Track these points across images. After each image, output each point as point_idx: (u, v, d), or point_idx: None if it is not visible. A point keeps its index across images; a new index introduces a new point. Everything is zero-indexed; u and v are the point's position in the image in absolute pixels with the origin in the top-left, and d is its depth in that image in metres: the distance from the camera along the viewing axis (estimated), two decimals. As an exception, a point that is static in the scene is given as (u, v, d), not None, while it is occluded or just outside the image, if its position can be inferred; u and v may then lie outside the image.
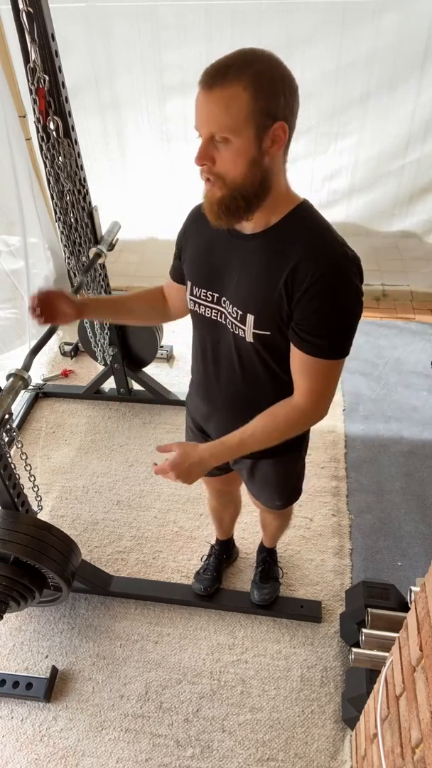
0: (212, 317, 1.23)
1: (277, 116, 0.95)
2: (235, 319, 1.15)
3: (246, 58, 0.93)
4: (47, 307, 1.25)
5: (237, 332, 1.18)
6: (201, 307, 1.23)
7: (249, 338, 1.15)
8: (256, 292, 1.10)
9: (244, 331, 1.15)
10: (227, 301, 1.17)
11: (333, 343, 1.07)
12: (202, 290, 1.21)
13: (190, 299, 1.25)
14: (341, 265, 1.03)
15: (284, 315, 1.08)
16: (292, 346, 1.12)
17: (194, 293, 1.23)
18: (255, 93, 0.91)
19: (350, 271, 1.03)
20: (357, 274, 1.05)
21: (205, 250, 1.20)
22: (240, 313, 1.14)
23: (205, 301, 1.22)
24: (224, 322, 1.21)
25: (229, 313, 1.18)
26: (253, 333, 1.13)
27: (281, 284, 1.05)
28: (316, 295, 1.02)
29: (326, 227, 1.07)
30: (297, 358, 1.12)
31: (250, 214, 1.05)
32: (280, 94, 0.94)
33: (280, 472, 1.47)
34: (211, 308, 1.22)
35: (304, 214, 1.08)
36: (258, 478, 1.49)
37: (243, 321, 1.14)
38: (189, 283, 1.24)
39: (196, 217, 1.22)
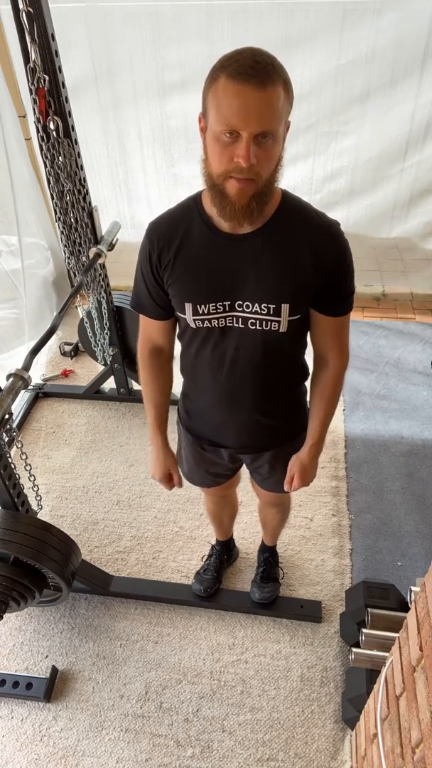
0: (226, 325, 1.20)
1: (289, 114, 1.02)
2: (266, 314, 1.16)
3: (272, 57, 0.95)
4: (170, 480, 1.54)
5: (266, 327, 1.18)
6: (210, 322, 1.19)
7: (283, 328, 1.18)
8: (286, 281, 1.14)
9: (278, 323, 1.17)
10: (246, 304, 1.16)
11: (352, 296, 1.23)
12: (210, 305, 1.17)
13: (195, 319, 1.19)
14: (340, 231, 1.16)
15: (312, 294, 1.17)
16: (320, 318, 1.23)
17: (200, 311, 1.18)
18: (286, 92, 0.96)
19: (343, 233, 1.16)
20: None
21: (201, 263, 1.15)
22: (273, 307, 1.15)
23: (216, 313, 1.18)
24: (242, 326, 1.19)
25: (251, 313, 1.17)
26: (289, 321, 1.17)
27: (310, 267, 1.13)
28: (340, 265, 1.16)
29: (310, 206, 1.17)
30: (329, 325, 1.24)
31: (266, 208, 1.09)
32: (293, 95, 1.00)
33: (299, 449, 1.50)
34: (224, 318, 1.19)
35: (292, 202, 1.15)
36: (280, 465, 1.50)
37: (277, 313, 1.15)
38: (189, 305, 1.17)
39: (170, 234, 1.16)
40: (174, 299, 1.22)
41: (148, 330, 1.37)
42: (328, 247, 1.14)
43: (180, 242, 1.16)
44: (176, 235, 1.16)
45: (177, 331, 1.36)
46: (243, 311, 1.17)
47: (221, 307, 1.17)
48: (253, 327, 1.18)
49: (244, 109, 0.92)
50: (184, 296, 1.18)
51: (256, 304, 1.15)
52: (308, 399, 1.43)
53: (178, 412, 1.55)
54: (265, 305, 1.15)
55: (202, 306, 1.17)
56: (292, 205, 1.14)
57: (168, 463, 1.51)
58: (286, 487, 1.47)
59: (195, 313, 1.18)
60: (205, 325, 1.20)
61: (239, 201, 1.02)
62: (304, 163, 3.17)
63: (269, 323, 1.17)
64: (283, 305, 1.15)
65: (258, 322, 1.17)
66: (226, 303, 1.17)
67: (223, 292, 1.16)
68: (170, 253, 1.17)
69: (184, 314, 1.20)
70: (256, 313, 1.16)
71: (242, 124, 0.93)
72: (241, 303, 1.16)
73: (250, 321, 1.18)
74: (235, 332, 1.21)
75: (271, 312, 1.15)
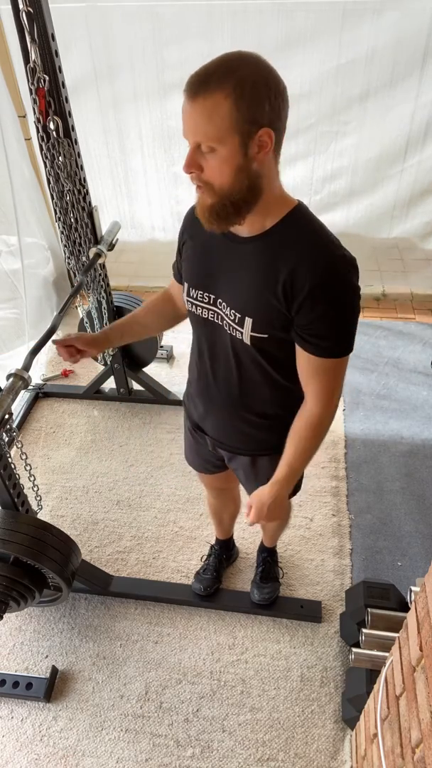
0: (209, 318, 1.24)
1: (263, 122, 0.94)
2: (233, 321, 1.16)
3: (229, 64, 0.92)
4: (70, 351, 1.43)
5: (234, 334, 1.18)
6: (198, 308, 1.24)
7: (246, 340, 1.16)
8: (254, 295, 1.11)
9: (242, 333, 1.16)
10: (224, 304, 1.18)
11: (339, 343, 1.11)
12: (199, 292, 1.22)
13: (187, 300, 1.26)
14: (339, 267, 1.04)
15: (283, 319, 1.10)
16: (298, 349, 1.14)
17: (191, 294, 1.24)
18: (237, 101, 0.91)
19: (347, 272, 1.05)
20: (354, 274, 1.06)
21: (201, 252, 1.21)
22: (238, 316, 1.14)
23: (202, 302, 1.23)
24: (221, 324, 1.22)
25: (226, 315, 1.18)
26: (251, 336, 1.14)
27: (279, 289, 1.06)
28: (319, 300, 1.04)
29: (321, 230, 1.08)
30: (304, 361, 1.15)
31: (240, 219, 1.06)
32: (264, 99, 0.93)
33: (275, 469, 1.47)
34: (208, 309, 1.23)
35: (299, 218, 1.09)
36: (259, 475, 1.49)
37: (241, 324, 1.14)
38: (186, 285, 1.25)
39: (193, 219, 1.22)
40: (182, 275, 1.30)
41: (171, 286, 1.46)
42: (308, 273, 1.02)
43: (196, 230, 1.19)
44: (195, 224, 1.18)
45: None
46: (221, 310, 1.20)
47: (207, 298, 1.21)
48: (227, 329, 1.21)
49: (183, 120, 0.97)
50: (185, 275, 1.26)
51: (229, 308, 1.17)
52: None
53: (185, 391, 1.58)
54: (233, 311, 1.16)
55: (194, 290, 1.23)
56: (296, 222, 1.08)
57: (80, 336, 1.41)
58: (250, 522, 1.36)
59: (188, 294, 1.25)
60: (194, 310, 1.26)
61: (198, 208, 1.07)
62: (304, 163, 3.17)
63: (235, 330, 1.18)
64: (246, 318, 1.13)
65: (228, 325, 1.19)
66: (211, 296, 1.20)
67: (210, 286, 1.20)
68: (188, 236, 1.26)
69: (183, 293, 1.28)
70: (227, 316, 1.18)
71: (184, 134, 0.98)
72: (221, 301, 1.19)
73: (225, 321, 1.20)
74: (216, 328, 1.24)
75: (236, 320, 1.15)
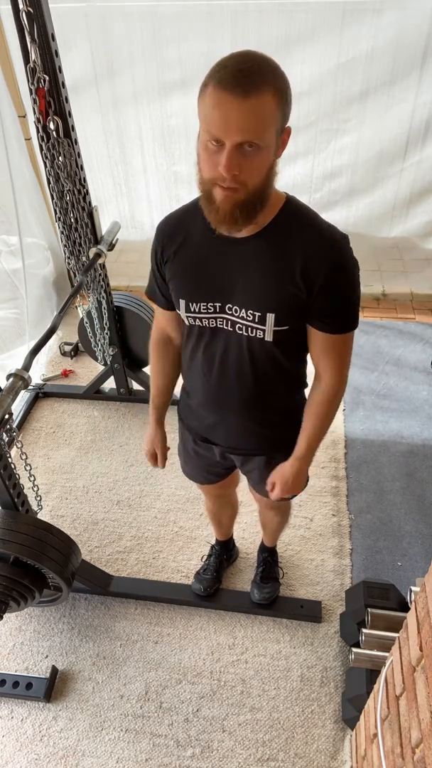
0: (217, 326, 1.21)
1: (287, 121, 1.00)
2: (252, 321, 1.15)
3: (267, 63, 0.93)
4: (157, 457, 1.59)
5: (252, 334, 1.18)
6: (201, 320, 1.21)
7: (269, 337, 1.17)
8: (273, 290, 1.12)
9: (263, 331, 1.16)
10: (235, 308, 1.16)
11: (352, 317, 1.18)
12: (201, 304, 1.19)
13: (188, 316, 1.22)
14: (344, 248, 1.11)
15: (302, 307, 1.14)
16: (313, 331, 1.19)
17: (192, 309, 1.20)
18: (279, 100, 0.94)
19: (350, 250, 1.12)
20: (351, 249, 1.13)
21: (197, 262, 1.17)
22: (258, 314, 1.14)
23: (206, 313, 1.20)
24: (230, 329, 1.20)
25: (239, 318, 1.17)
26: (274, 331, 1.16)
27: (298, 278, 1.10)
28: (334, 282, 1.11)
29: (317, 216, 1.13)
30: (320, 340, 1.20)
31: (260, 216, 1.07)
32: (290, 100, 0.98)
33: None
34: (215, 319, 1.20)
35: (294, 209, 1.13)
36: (270, 473, 1.50)
37: (262, 321, 1.15)
38: (183, 301, 1.21)
39: (173, 232, 1.19)
40: (172, 294, 1.25)
41: (159, 319, 1.41)
42: (322, 258, 1.09)
43: (182, 241, 1.18)
44: (179, 234, 1.18)
45: None
46: (231, 315, 1.18)
47: (212, 308, 1.19)
48: (240, 332, 1.19)
49: (225, 118, 0.92)
50: (178, 292, 1.22)
51: (243, 310, 1.16)
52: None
53: (179, 405, 1.56)
54: (251, 312, 1.15)
55: (194, 304, 1.20)
56: (294, 213, 1.12)
57: (156, 440, 1.57)
58: (268, 488, 1.47)
59: (187, 310, 1.21)
60: (197, 323, 1.23)
61: (223, 208, 1.02)
62: (304, 161, 3.17)
63: (255, 330, 1.17)
64: (268, 314, 1.13)
65: (245, 327, 1.18)
66: (217, 304, 1.18)
67: (214, 294, 1.17)
68: (171, 250, 1.20)
69: (179, 310, 1.23)
70: (243, 318, 1.17)
71: (224, 134, 0.93)
72: (230, 306, 1.17)
73: (237, 325, 1.18)
74: (223, 334, 1.22)
75: (256, 320, 1.15)
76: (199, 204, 1.15)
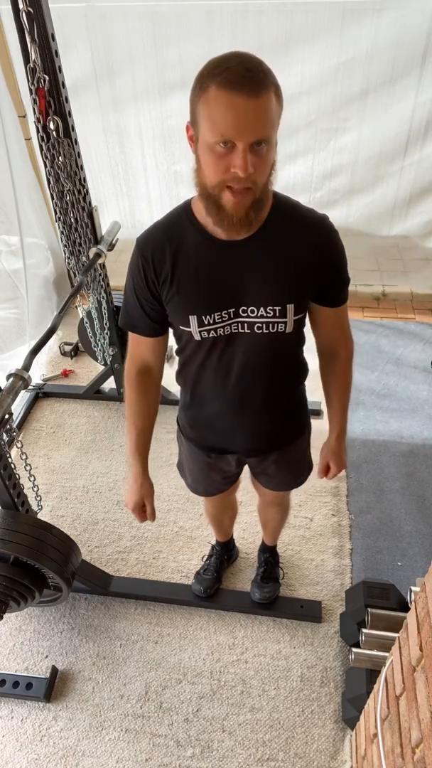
0: (232, 332, 1.19)
1: (281, 116, 1.00)
2: (272, 317, 1.16)
3: (263, 63, 0.94)
4: (144, 511, 1.46)
5: (273, 330, 1.18)
6: (216, 330, 1.18)
7: (290, 329, 1.19)
8: (290, 282, 1.15)
9: (284, 324, 1.17)
10: (251, 308, 1.15)
11: (347, 282, 1.24)
12: (215, 314, 1.15)
13: (201, 330, 1.17)
14: (330, 225, 1.17)
15: (314, 290, 1.20)
16: (319, 309, 1.25)
17: (205, 322, 1.16)
18: (277, 97, 0.96)
19: (332, 225, 1.18)
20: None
21: (201, 274, 1.13)
22: (278, 308, 1.15)
23: (221, 322, 1.16)
24: (248, 331, 1.19)
25: (257, 317, 1.16)
26: (294, 320, 1.19)
27: (311, 264, 1.14)
28: (336, 260, 1.19)
29: (298, 204, 1.18)
30: (332, 316, 1.27)
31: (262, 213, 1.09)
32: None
33: (303, 447, 1.57)
34: (230, 325, 1.18)
35: (284, 201, 1.16)
36: (285, 464, 1.54)
37: (283, 314, 1.16)
38: (194, 317, 1.15)
39: (162, 248, 1.13)
40: (175, 314, 1.18)
41: (138, 349, 1.32)
42: (326, 242, 1.16)
43: (175, 254, 1.13)
44: (170, 248, 1.13)
45: (176, 347, 1.33)
46: (248, 316, 1.16)
47: (226, 315, 1.16)
48: (260, 331, 1.18)
49: (238, 119, 0.91)
50: (188, 309, 1.15)
51: (262, 308, 1.15)
52: (321, 393, 1.45)
53: (178, 424, 1.54)
54: (271, 308, 1.15)
55: (207, 317, 1.15)
56: (284, 205, 1.15)
57: (143, 492, 1.41)
58: (320, 476, 1.55)
59: (201, 324, 1.16)
60: (210, 335, 1.18)
61: (237, 213, 1.01)
62: (304, 160, 3.17)
63: (276, 325, 1.17)
64: (288, 306, 1.16)
65: (264, 325, 1.17)
66: (231, 310, 1.16)
67: (227, 300, 1.15)
68: (166, 267, 1.14)
69: (189, 327, 1.17)
70: (262, 316, 1.16)
71: (238, 135, 0.92)
72: (245, 308, 1.15)
73: (256, 325, 1.17)
74: (241, 338, 1.20)
75: (277, 314, 1.16)
76: (182, 213, 1.14)
